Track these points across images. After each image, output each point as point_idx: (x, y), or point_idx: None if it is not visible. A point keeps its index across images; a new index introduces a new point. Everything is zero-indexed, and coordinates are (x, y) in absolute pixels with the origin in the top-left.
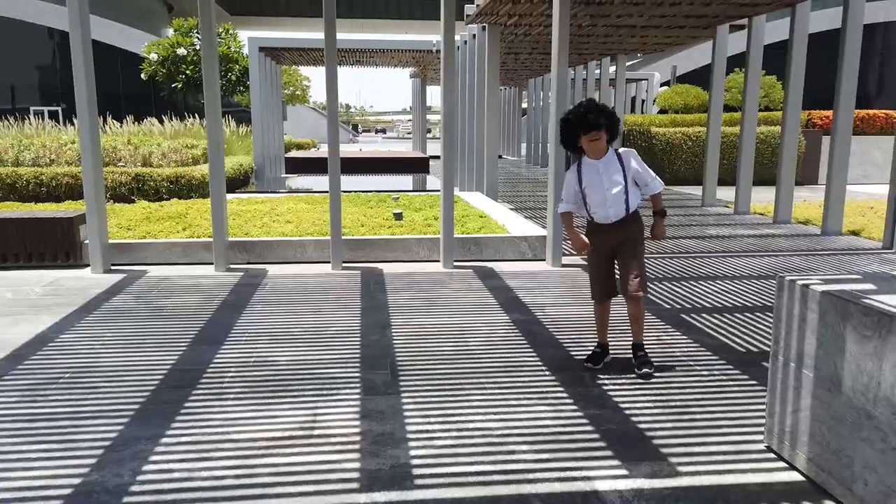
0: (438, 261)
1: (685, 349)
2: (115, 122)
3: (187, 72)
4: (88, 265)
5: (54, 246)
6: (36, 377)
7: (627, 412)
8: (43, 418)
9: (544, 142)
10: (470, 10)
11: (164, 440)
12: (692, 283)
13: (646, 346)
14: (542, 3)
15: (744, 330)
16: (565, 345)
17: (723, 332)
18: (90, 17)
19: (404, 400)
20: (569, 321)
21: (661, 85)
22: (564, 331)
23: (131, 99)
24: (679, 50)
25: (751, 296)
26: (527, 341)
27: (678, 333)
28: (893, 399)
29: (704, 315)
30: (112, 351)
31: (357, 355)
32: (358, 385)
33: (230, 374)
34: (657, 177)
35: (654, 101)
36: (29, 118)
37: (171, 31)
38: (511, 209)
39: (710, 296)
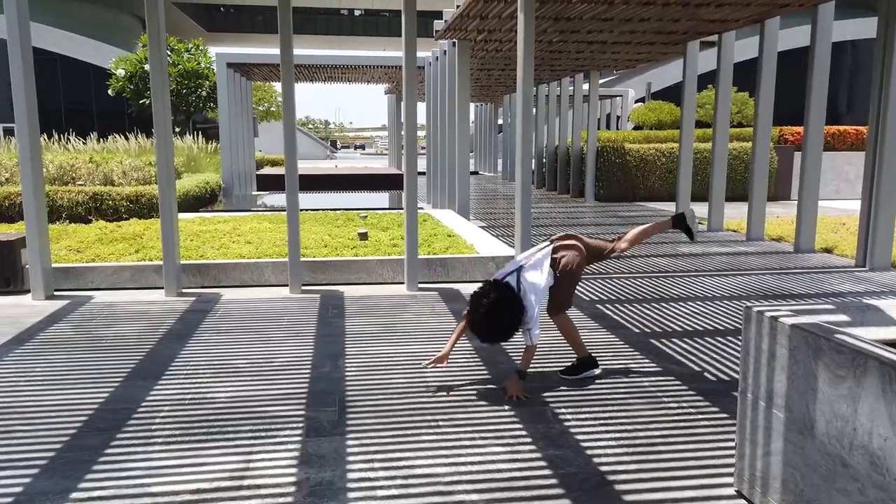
0: (403, 283)
1: (654, 379)
2: (78, 138)
3: None
4: (30, 291)
5: None
6: None
7: (589, 453)
8: None
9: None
10: (439, 25)
11: (75, 495)
12: (663, 304)
13: (613, 375)
14: (510, 18)
15: (715, 356)
16: (528, 374)
17: (693, 358)
18: (63, 34)
19: (349, 442)
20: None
21: (636, 101)
22: None
23: (103, 115)
24: (653, 67)
25: (723, 318)
26: (488, 372)
27: (647, 361)
28: (870, 447)
29: (675, 340)
30: (38, 388)
31: (304, 390)
32: (301, 425)
33: (162, 414)
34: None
35: (629, 117)
36: None
37: (141, 47)
38: (482, 227)
39: (681, 319)
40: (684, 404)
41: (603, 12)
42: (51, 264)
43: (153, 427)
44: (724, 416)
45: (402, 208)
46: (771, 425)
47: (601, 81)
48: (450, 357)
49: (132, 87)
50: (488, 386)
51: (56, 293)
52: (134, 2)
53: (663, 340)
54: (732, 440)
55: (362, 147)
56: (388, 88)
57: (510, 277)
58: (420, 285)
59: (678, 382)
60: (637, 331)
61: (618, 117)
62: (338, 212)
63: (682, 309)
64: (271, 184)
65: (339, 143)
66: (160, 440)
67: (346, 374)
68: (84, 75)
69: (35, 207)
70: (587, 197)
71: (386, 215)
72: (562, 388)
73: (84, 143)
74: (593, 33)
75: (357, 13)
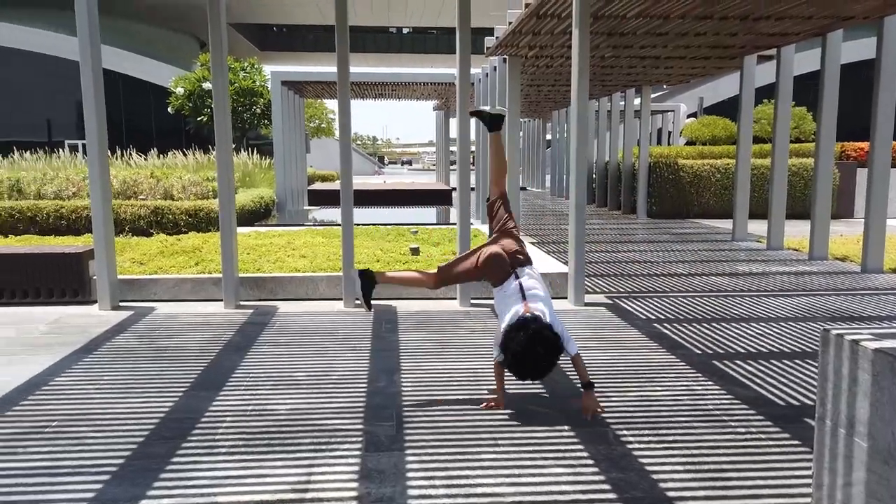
0: (455, 298)
1: (718, 402)
2: (140, 154)
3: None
4: (97, 301)
5: (63, 282)
6: (21, 425)
7: (654, 477)
8: (20, 474)
9: (569, 174)
10: (490, 42)
11: (144, 503)
12: (723, 325)
13: (676, 397)
14: (563, 34)
15: (783, 380)
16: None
17: (759, 381)
18: (126, 54)
19: (408, 458)
20: (592, 366)
21: (688, 116)
22: None
23: (162, 132)
24: (706, 81)
25: (789, 340)
26: (544, 389)
27: (710, 383)
28: None
29: (738, 362)
30: (106, 396)
31: (361, 404)
32: (360, 439)
33: (225, 425)
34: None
35: (681, 132)
36: (60, 151)
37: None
38: (532, 243)
39: (743, 340)
40: (752, 429)
41: (658, 27)
42: (116, 276)
43: (216, 437)
44: (797, 442)
45: (451, 223)
46: (852, 454)
47: (651, 96)
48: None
49: (190, 104)
50: (545, 404)
51: (121, 304)
52: (192, 22)
53: (726, 362)
54: (807, 469)
55: (409, 163)
56: (437, 105)
57: (520, 307)
58: (472, 301)
59: (745, 406)
60: (698, 352)
61: (669, 133)
62: (388, 227)
63: (744, 330)
64: (322, 199)
65: (386, 158)
66: (223, 450)
67: (402, 389)
68: (144, 93)
69: (103, 222)
70: (639, 213)
71: (436, 230)
72: (622, 408)
73: (145, 159)
74: (647, 48)
75: (406, 31)
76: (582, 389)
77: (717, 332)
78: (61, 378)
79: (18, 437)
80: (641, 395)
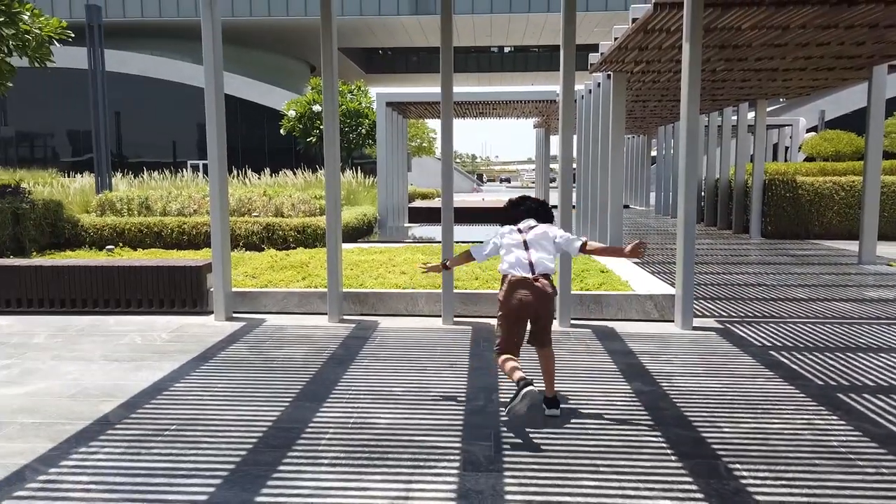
0: (555, 318)
1: (843, 438)
2: (254, 174)
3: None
4: (213, 312)
5: (183, 293)
6: (144, 427)
7: None
8: (142, 473)
9: (675, 191)
10: (594, 58)
11: None
12: (849, 355)
13: (795, 431)
14: (672, 48)
15: None
16: (696, 424)
17: (892, 418)
18: (242, 80)
19: (507, 480)
20: (701, 395)
21: (808, 131)
22: (695, 407)
23: (274, 152)
24: (828, 93)
25: None
26: (650, 417)
27: (834, 417)
28: None
29: (866, 395)
30: (219, 403)
31: (460, 422)
32: (458, 458)
33: (328, 436)
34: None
35: (800, 148)
36: (183, 171)
37: (309, 89)
38: (636, 263)
39: (871, 372)
40: (884, 470)
41: (775, 38)
42: (231, 289)
43: (320, 448)
44: None
45: None
46: None
47: (767, 110)
48: (612, 395)
49: (301, 126)
50: (651, 432)
51: (234, 315)
52: (303, 47)
53: (852, 395)
54: None
55: (508, 180)
56: (537, 122)
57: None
58: (572, 321)
59: (874, 444)
60: (820, 383)
61: (786, 148)
62: None
63: (873, 361)
64: (422, 216)
65: (485, 176)
66: (326, 461)
67: (501, 409)
68: (259, 116)
69: (221, 238)
70: (752, 233)
71: None
72: (735, 440)
73: (259, 178)
74: (762, 60)
75: (507, 50)
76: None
77: (842, 362)
78: (180, 384)
79: (143, 439)
80: (756, 428)
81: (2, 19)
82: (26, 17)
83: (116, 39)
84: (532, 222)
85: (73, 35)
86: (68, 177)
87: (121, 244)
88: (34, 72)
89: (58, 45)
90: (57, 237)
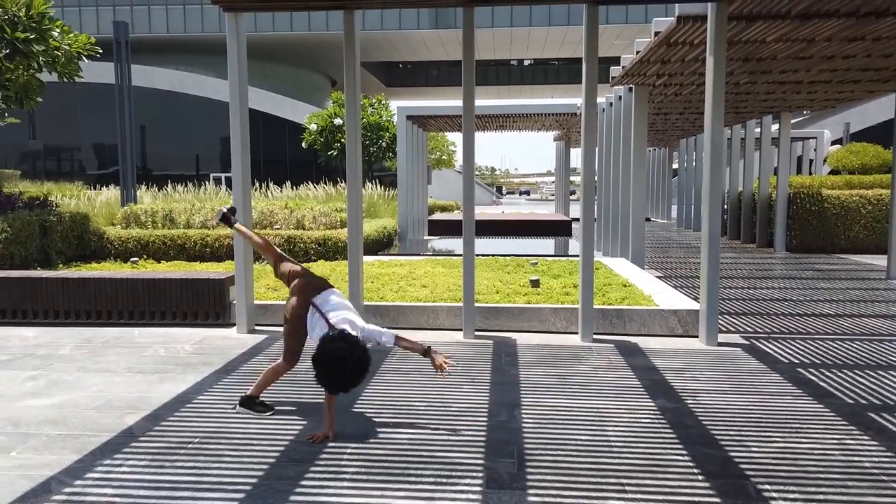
0: (576, 333)
1: (876, 459)
2: (276, 187)
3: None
4: (235, 324)
5: (206, 305)
6: (168, 440)
7: None
8: (166, 486)
9: (697, 204)
10: (615, 71)
11: None
12: (880, 373)
13: (825, 451)
14: (695, 61)
15: None
16: (723, 443)
17: None
18: (265, 94)
19: (530, 497)
20: (727, 412)
21: (832, 143)
22: (722, 425)
23: (295, 165)
24: (853, 105)
25: None
26: (676, 435)
27: (865, 437)
28: None
29: None
30: (242, 416)
31: (482, 438)
32: (480, 475)
33: (349, 451)
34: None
35: (825, 160)
36: (206, 183)
37: (331, 103)
38: (659, 277)
39: None
40: None
41: (801, 51)
42: (253, 301)
43: (342, 463)
44: None
45: (570, 255)
46: None
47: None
48: (636, 413)
49: (322, 139)
50: (678, 451)
51: (256, 327)
52: (325, 61)
53: (884, 415)
54: None
55: (527, 193)
56: (557, 135)
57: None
58: (594, 336)
59: None
60: (850, 401)
61: (811, 161)
62: (507, 258)
63: None
64: (442, 229)
65: (504, 188)
66: (348, 477)
67: (523, 425)
68: (281, 130)
69: (243, 250)
70: (776, 247)
71: (556, 262)
72: (763, 460)
73: (280, 191)
74: (787, 73)
75: (527, 63)
76: (426, 357)
77: (873, 380)
78: (203, 396)
79: (166, 452)
80: (785, 448)
81: (32, 36)
82: (56, 34)
83: (143, 55)
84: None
85: (101, 51)
86: (94, 190)
87: (145, 256)
88: (62, 86)
89: (86, 60)
90: (83, 249)
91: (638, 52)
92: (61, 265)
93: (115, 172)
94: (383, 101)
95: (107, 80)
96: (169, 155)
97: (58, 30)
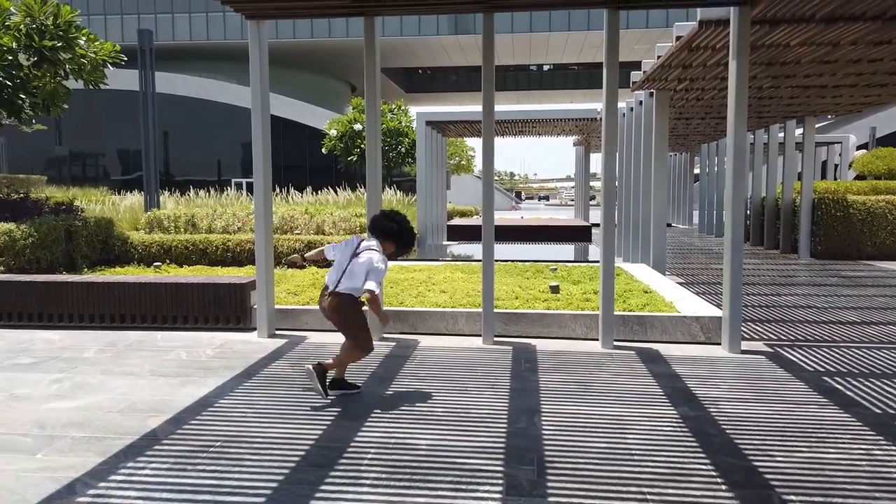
0: (596, 339)
1: None
2: (296, 192)
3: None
4: (256, 329)
5: (227, 310)
6: (190, 443)
7: None
8: (188, 490)
9: (719, 209)
10: (636, 76)
11: None
12: None
13: (852, 462)
14: (717, 66)
15: None
16: (746, 452)
17: None
18: (286, 100)
19: None
20: (751, 421)
21: (858, 148)
22: (745, 434)
23: (315, 171)
24: (879, 109)
25: None
26: (698, 444)
27: (893, 448)
28: None
29: None
30: (262, 420)
31: (501, 445)
32: (500, 481)
33: (369, 456)
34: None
35: (850, 165)
36: (228, 189)
37: (350, 109)
38: (680, 283)
39: None
40: None
41: (826, 55)
42: (274, 306)
43: (361, 468)
44: None
45: (590, 261)
46: None
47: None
48: (657, 420)
49: (342, 145)
50: (700, 460)
51: (276, 332)
52: (345, 68)
53: None
54: None
55: (546, 198)
56: (577, 140)
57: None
58: (615, 343)
59: None
60: (878, 411)
61: (836, 166)
62: (526, 263)
63: None
64: (461, 234)
65: (523, 194)
66: (368, 482)
67: (543, 431)
68: (301, 136)
69: (265, 256)
70: (801, 253)
71: (576, 268)
72: (788, 471)
73: (301, 196)
74: (812, 77)
75: (546, 68)
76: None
77: None
78: (224, 400)
79: (188, 455)
80: (811, 458)
81: (59, 44)
82: (82, 42)
83: (167, 62)
84: (369, 243)
85: (125, 58)
86: (119, 195)
87: (167, 261)
88: (88, 93)
89: (111, 67)
90: (107, 254)
91: (659, 57)
92: (86, 269)
93: (139, 178)
94: (403, 107)
95: (131, 87)
96: (192, 160)
97: (84, 38)
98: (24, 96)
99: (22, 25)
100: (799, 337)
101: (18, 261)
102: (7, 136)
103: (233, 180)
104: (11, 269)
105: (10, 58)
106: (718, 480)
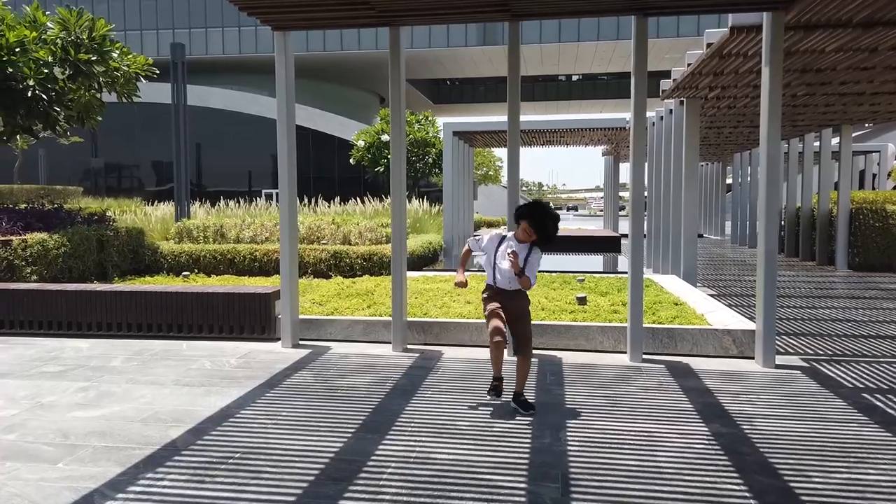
0: (625, 352)
1: None
2: (325, 202)
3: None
4: (280, 339)
5: (252, 319)
6: (210, 454)
7: None
8: (205, 501)
9: (752, 220)
10: (665, 84)
11: None
12: None
13: (890, 484)
14: (749, 73)
15: None
16: (782, 472)
17: None
18: (315, 111)
19: None
20: (786, 439)
21: None
22: (780, 452)
23: (343, 181)
24: None
25: None
26: (731, 463)
27: None
28: None
29: None
30: (283, 432)
31: (525, 461)
32: (523, 499)
33: (389, 470)
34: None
35: (889, 175)
36: (257, 200)
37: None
38: (712, 295)
39: None
40: None
41: (862, 61)
42: (298, 316)
43: (381, 483)
44: None
45: (619, 272)
46: None
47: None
48: (688, 438)
49: (370, 155)
50: (733, 480)
51: (301, 342)
52: (373, 80)
53: None
54: None
55: (575, 208)
56: (606, 150)
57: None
58: (644, 356)
59: None
60: None
61: (874, 175)
62: (553, 274)
63: None
64: None
65: (552, 204)
66: (387, 498)
67: (569, 448)
68: (329, 146)
69: (289, 266)
70: (838, 265)
71: (604, 279)
72: (827, 492)
73: (329, 206)
74: (848, 84)
75: (575, 78)
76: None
77: None
78: (246, 411)
79: (208, 466)
80: (850, 479)
81: (94, 58)
82: (116, 56)
83: (199, 75)
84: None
85: (157, 72)
86: (151, 205)
87: (196, 270)
88: (123, 106)
89: (144, 81)
90: (138, 263)
91: (689, 65)
92: (117, 279)
93: (171, 189)
94: (430, 118)
95: (164, 99)
96: (223, 172)
97: (117, 52)
98: (58, 109)
99: (58, 39)
100: (837, 351)
101: (51, 270)
102: (46, 149)
103: (262, 191)
104: (44, 278)
105: (45, 71)
106: (752, 502)
